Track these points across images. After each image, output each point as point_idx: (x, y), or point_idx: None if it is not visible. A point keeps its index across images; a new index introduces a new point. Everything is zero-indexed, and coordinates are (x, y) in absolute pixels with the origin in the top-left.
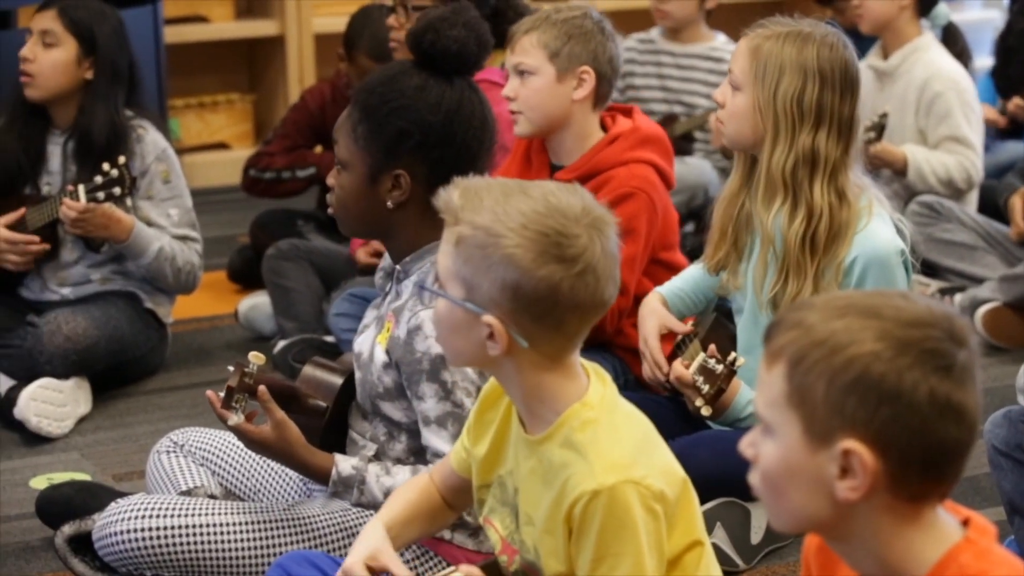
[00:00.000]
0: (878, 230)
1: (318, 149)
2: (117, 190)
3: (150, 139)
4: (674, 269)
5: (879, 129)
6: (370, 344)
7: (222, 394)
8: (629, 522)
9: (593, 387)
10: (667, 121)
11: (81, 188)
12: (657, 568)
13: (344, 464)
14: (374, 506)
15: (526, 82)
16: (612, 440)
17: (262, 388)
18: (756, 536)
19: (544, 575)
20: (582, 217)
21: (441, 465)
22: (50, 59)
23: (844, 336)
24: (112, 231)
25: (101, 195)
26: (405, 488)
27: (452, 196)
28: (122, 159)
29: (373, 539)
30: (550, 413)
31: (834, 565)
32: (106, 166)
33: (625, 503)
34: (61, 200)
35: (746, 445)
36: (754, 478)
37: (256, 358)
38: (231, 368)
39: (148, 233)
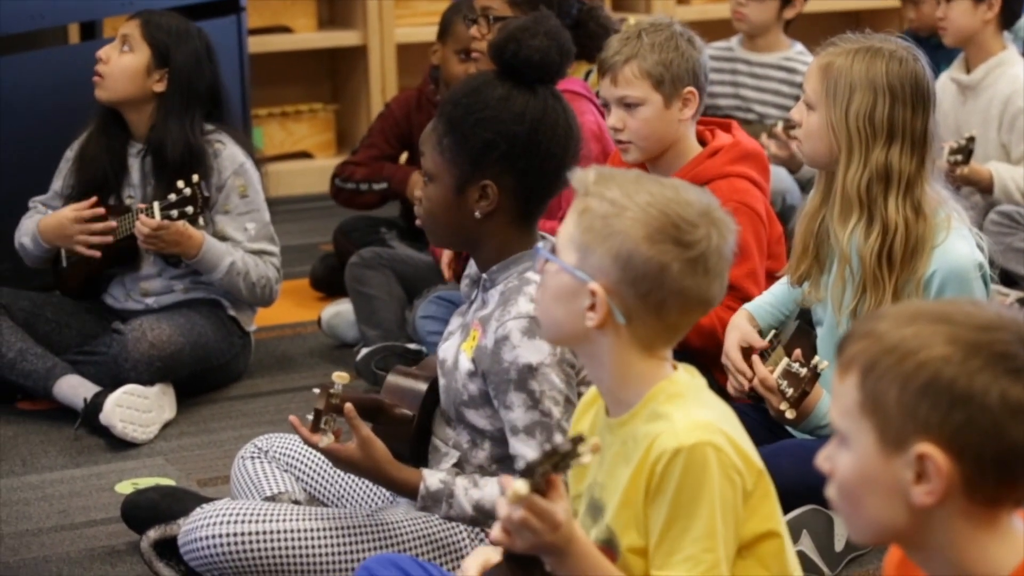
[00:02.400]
0: (956, 244)
1: (404, 157)
2: (190, 209)
3: (227, 154)
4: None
5: (966, 153)
6: (455, 351)
7: (310, 417)
8: (706, 482)
9: (680, 373)
10: None
11: (156, 205)
12: (729, 538)
13: (432, 479)
14: (463, 519)
15: (634, 114)
16: (697, 408)
17: (348, 406)
18: (839, 543)
19: (621, 550)
20: (706, 213)
21: None
22: (121, 63)
23: (914, 342)
24: (183, 247)
25: (174, 213)
26: None
27: (588, 174)
28: (196, 177)
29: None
30: (634, 396)
31: None
32: (180, 183)
33: (704, 462)
34: (137, 216)
35: (822, 459)
36: (831, 491)
37: (340, 378)
38: (316, 391)
39: (219, 249)
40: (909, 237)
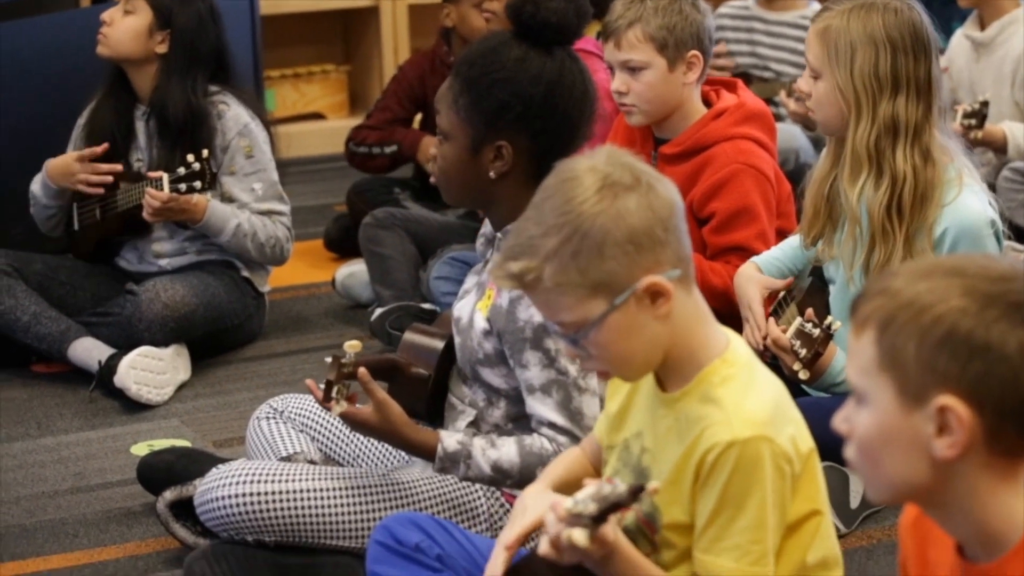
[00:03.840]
0: (969, 201)
1: (418, 119)
2: (198, 184)
3: (232, 115)
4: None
5: (980, 118)
6: (470, 310)
7: (323, 386)
8: (758, 477)
9: (734, 344)
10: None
11: (165, 178)
12: (777, 527)
13: (449, 440)
14: (480, 480)
15: (638, 77)
16: (751, 396)
17: (362, 371)
18: (855, 500)
19: (662, 524)
20: None
21: (589, 438)
22: (124, 24)
23: (930, 296)
24: (188, 214)
25: (183, 187)
26: (561, 458)
27: None
28: (205, 152)
29: (537, 504)
30: (692, 368)
31: (927, 542)
32: (190, 158)
33: (757, 457)
34: (144, 188)
35: (840, 421)
36: (850, 452)
37: (351, 347)
38: (328, 360)
39: (224, 212)
40: (917, 185)
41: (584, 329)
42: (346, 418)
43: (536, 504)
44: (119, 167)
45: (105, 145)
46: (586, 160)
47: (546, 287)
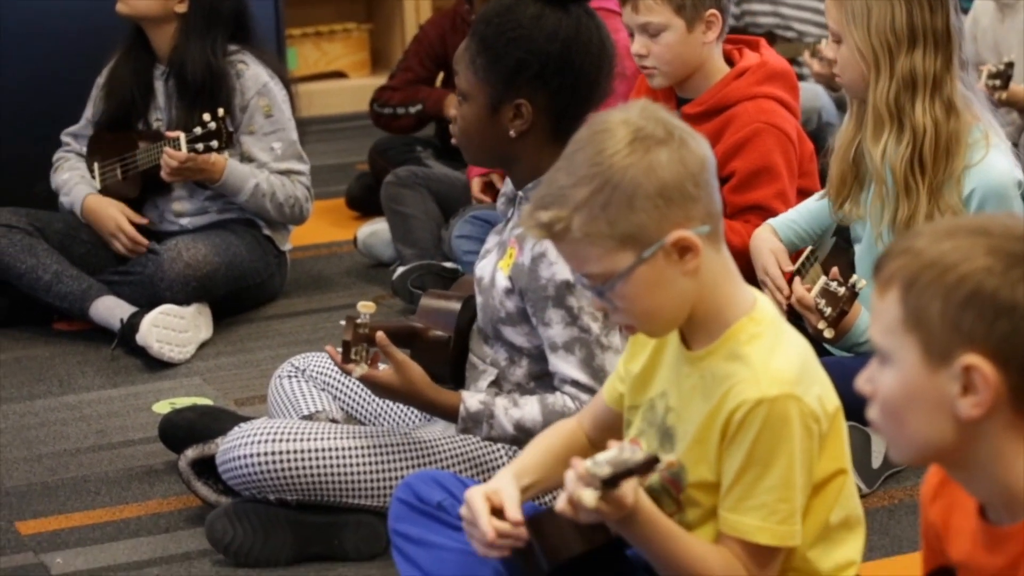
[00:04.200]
0: (995, 161)
1: (440, 78)
2: (215, 143)
3: (250, 74)
4: None
5: (1005, 79)
6: (492, 269)
7: (340, 348)
8: (785, 435)
9: (761, 303)
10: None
11: (182, 138)
12: (804, 486)
13: (471, 400)
14: (504, 439)
15: (657, 39)
16: (778, 354)
17: (380, 334)
18: (876, 460)
19: (687, 483)
20: None
21: (593, 403)
22: None
23: (955, 255)
24: (207, 174)
25: (200, 147)
26: (547, 433)
27: None
28: (221, 111)
29: (500, 479)
30: (719, 326)
31: (949, 507)
32: (207, 117)
33: (784, 416)
34: (163, 148)
35: (863, 382)
36: (873, 412)
37: (365, 307)
38: (343, 323)
39: (242, 172)
40: (939, 137)
41: (611, 281)
42: (366, 381)
43: (498, 476)
44: (148, 244)
45: (146, 220)
46: (619, 113)
47: (575, 237)
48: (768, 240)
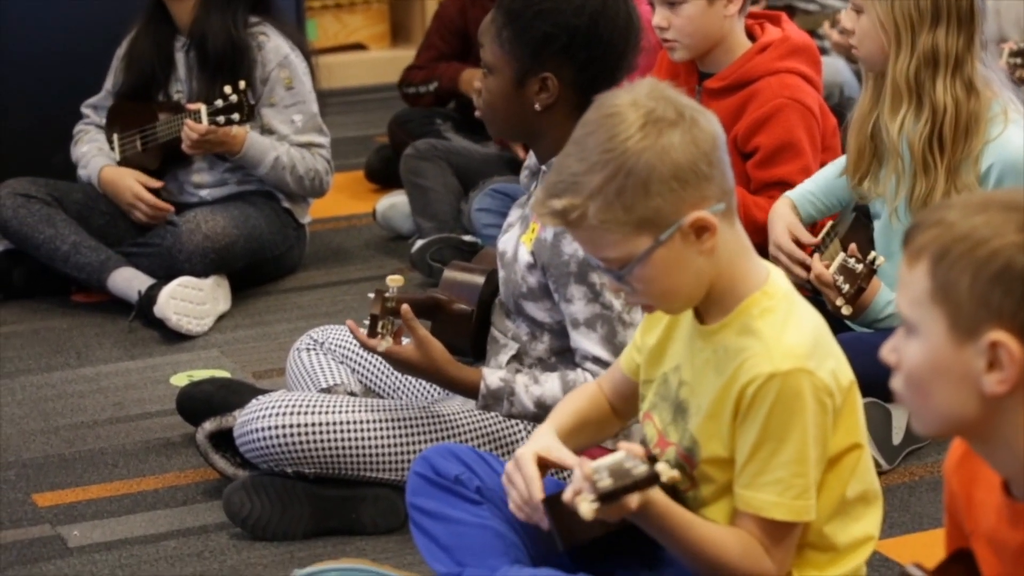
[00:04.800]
0: (1014, 136)
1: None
2: (236, 116)
3: (271, 46)
4: None
5: None
6: (514, 243)
7: (366, 322)
8: (798, 409)
9: (774, 277)
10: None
11: (203, 110)
12: (818, 461)
13: (492, 377)
14: (524, 416)
15: (678, 12)
16: (790, 328)
17: (405, 307)
18: (897, 437)
19: (701, 459)
20: None
21: (611, 371)
22: None
23: (986, 229)
24: (227, 146)
25: (221, 119)
26: (573, 396)
27: None
28: (243, 84)
29: (545, 438)
30: (732, 301)
31: (973, 482)
32: (227, 89)
33: (797, 390)
34: (184, 120)
35: (888, 351)
36: (897, 383)
37: (394, 281)
38: (371, 296)
39: (263, 144)
40: (959, 117)
41: (629, 265)
42: (389, 356)
43: (540, 435)
44: (171, 208)
45: (161, 183)
46: (627, 94)
47: (590, 224)
48: (785, 215)
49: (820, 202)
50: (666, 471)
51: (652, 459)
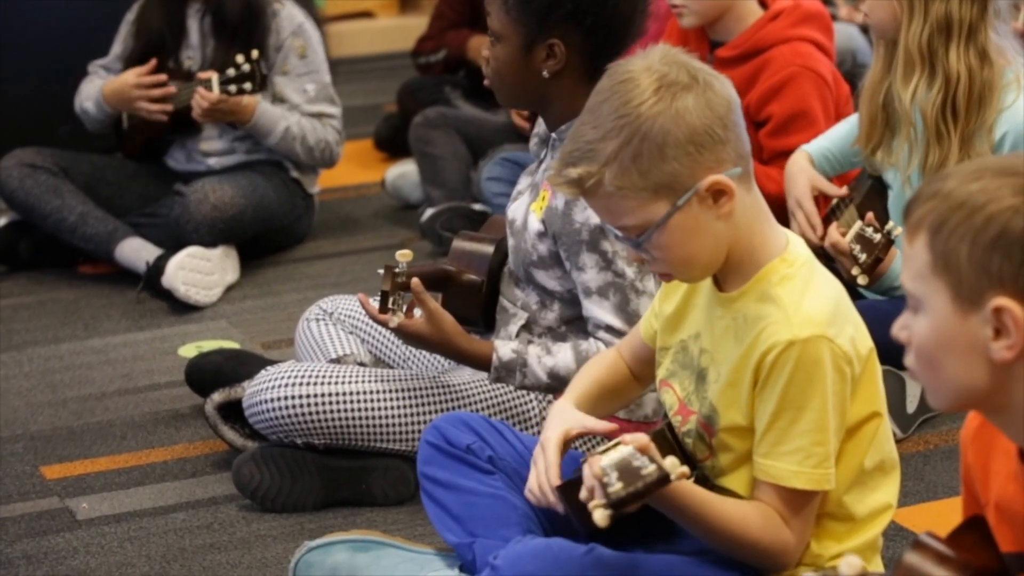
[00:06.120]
0: None
1: None
2: (248, 85)
3: (286, 14)
4: None
5: None
6: (524, 211)
7: (376, 298)
8: (818, 377)
9: (794, 244)
10: None
11: (215, 79)
12: (837, 429)
13: (504, 349)
14: (537, 388)
15: None
16: (810, 296)
17: (415, 281)
18: (911, 405)
19: (719, 427)
20: None
21: (630, 337)
22: None
23: (981, 196)
24: (237, 116)
25: (233, 88)
26: (593, 364)
27: None
28: (255, 53)
29: (567, 414)
30: (751, 268)
31: (989, 452)
32: (240, 58)
33: (817, 357)
34: (195, 88)
35: (898, 329)
36: (909, 359)
37: (403, 256)
38: (380, 272)
39: (273, 114)
40: (973, 85)
41: (647, 232)
42: (400, 331)
43: (561, 413)
44: (173, 89)
45: (153, 63)
46: (640, 60)
47: (607, 191)
48: (807, 168)
49: (836, 159)
50: (675, 468)
51: (664, 430)
